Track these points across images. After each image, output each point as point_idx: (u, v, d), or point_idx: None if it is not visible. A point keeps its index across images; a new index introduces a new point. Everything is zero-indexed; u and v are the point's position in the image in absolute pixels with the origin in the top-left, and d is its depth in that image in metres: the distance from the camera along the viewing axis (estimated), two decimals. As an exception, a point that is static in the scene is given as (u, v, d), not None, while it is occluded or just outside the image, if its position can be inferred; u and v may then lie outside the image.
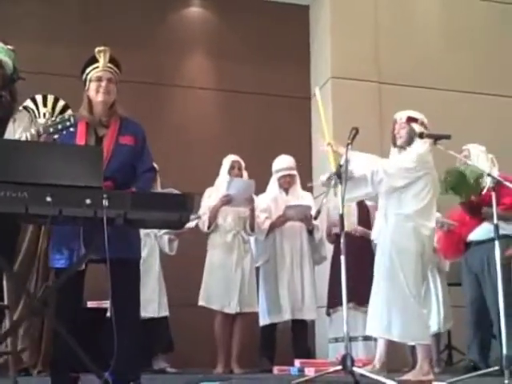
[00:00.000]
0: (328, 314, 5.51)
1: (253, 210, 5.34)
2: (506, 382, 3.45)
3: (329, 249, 5.65)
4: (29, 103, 4.61)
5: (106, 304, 4.49)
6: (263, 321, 5.41)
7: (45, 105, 4.63)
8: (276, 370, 5.08)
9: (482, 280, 4.94)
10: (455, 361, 6.09)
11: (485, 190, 4.35)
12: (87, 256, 2.95)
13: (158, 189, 5.12)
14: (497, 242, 3.76)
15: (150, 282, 5.21)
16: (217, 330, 5.24)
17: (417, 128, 4.12)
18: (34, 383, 3.95)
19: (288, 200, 5.53)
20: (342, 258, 3.62)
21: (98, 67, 3.24)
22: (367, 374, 3.54)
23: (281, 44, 7.26)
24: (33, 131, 3.01)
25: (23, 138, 3.01)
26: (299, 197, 5.61)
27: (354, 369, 3.44)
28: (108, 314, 2.85)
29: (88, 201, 2.64)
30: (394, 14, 7.31)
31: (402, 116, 4.22)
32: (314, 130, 7.11)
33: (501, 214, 3.99)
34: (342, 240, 3.65)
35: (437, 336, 5.51)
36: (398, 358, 5.06)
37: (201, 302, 5.24)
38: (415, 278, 3.93)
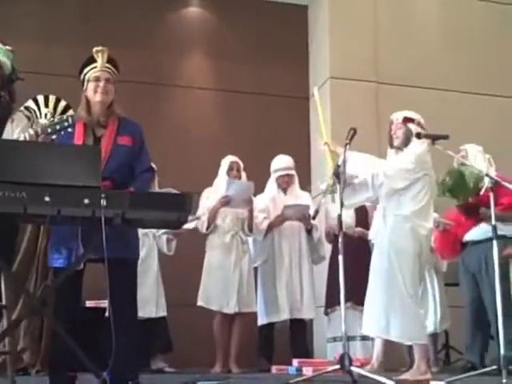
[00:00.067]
0: (326, 314, 5.52)
1: (251, 211, 5.35)
2: (504, 381, 3.45)
3: (327, 248, 5.65)
4: (30, 103, 4.62)
5: (105, 304, 4.49)
6: (261, 320, 5.42)
7: (46, 105, 4.63)
8: (274, 369, 5.09)
9: (479, 280, 4.95)
10: (453, 360, 6.10)
11: (483, 191, 4.35)
12: (85, 256, 2.96)
13: (156, 189, 5.13)
14: (495, 242, 3.76)
15: (148, 282, 5.22)
16: (215, 330, 5.25)
17: (413, 128, 4.12)
18: (32, 383, 3.95)
19: (286, 200, 5.53)
20: (340, 257, 3.62)
21: (95, 67, 3.24)
22: (365, 373, 3.54)
23: (279, 44, 7.27)
24: (31, 131, 3.01)
25: (21, 139, 3.02)
26: (297, 196, 5.61)
27: (352, 368, 3.44)
28: (106, 314, 2.85)
29: (86, 200, 2.65)
30: (393, 14, 7.32)
31: (398, 116, 4.22)
32: (312, 130, 7.11)
33: (498, 215, 3.99)
34: (340, 240, 3.66)
35: (434, 336, 5.52)
36: (395, 357, 5.08)
37: (200, 303, 5.25)
38: (413, 278, 3.93)
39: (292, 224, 5.47)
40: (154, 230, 5.29)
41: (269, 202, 5.56)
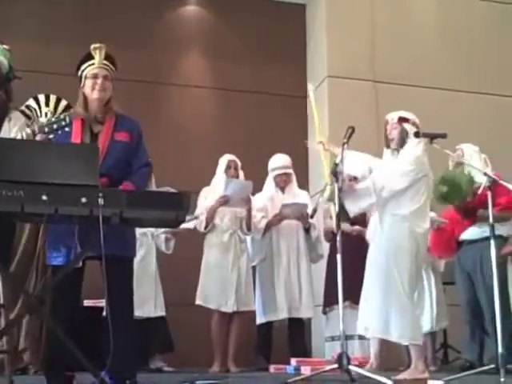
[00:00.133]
0: (324, 313, 5.52)
1: (250, 210, 5.35)
2: (502, 380, 3.45)
3: (325, 247, 5.65)
4: (31, 102, 4.63)
5: (102, 303, 4.49)
6: (259, 319, 5.41)
7: (47, 104, 4.64)
8: (272, 368, 5.09)
9: (474, 279, 4.96)
10: (451, 359, 6.11)
11: (480, 190, 4.35)
12: (84, 254, 2.95)
13: (153, 187, 5.12)
14: (492, 242, 3.76)
15: (147, 281, 5.21)
16: (213, 329, 5.25)
17: (408, 128, 4.12)
18: (30, 382, 3.94)
19: (284, 199, 5.53)
20: (339, 256, 3.62)
21: (93, 64, 3.23)
22: (363, 372, 3.54)
23: (277, 43, 7.26)
24: (28, 130, 3.01)
25: (18, 137, 3.01)
26: (295, 195, 5.61)
27: (350, 367, 3.44)
28: (104, 314, 2.85)
29: (84, 199, 2.64)
30: (391, 13, 7.32)
31: (393, 116, 4.22)
32: (310, 129, 7.11)
33: (496, 216, 3.99)
34: (338, 238, 3.65)
35: (432, 335, 5.52)
36: (393, 356, 5.07)
37: (198, 302, 5.25)
38: (410, 278, 3.93)
39: (290, 223, 5.46)
40: (152, 230, 5.28)
41: (267, 200, 5.56)
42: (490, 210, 3.79)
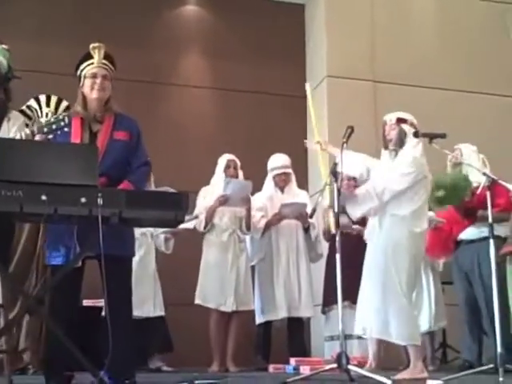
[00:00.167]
0: (323, 313, 5.52)
1: (249, 210, 5.35)
2: (501, 379, 3.46)
3: (325, 246, 5.65)
4: (32, 102, 4.63)
5: (102, 303, 4.49)
6: (259, 319, 5.42)
7: (48, 105, 4.64)
8: (271, 368, 5.09)
9: (472, 279, 4.97)
10: (450, 359, 6.11)
11: (479, 189, 4.35)
12: (83, 254, 2.95)
13: (152, 186, 5.13)
14: (491, 241, 3.77)
15: (146, 281, 5.21)
16: (212, 329, 5.25)
17: (407, 129, 4.12)
18: (29, 382, 3.94)
19: (283, 198, 5.53)
20: (338, 256, 3.62)
21: (92, 63, 3.23)
22: (362, 372, 3.54)
23: (276, 42, 7.27)
24: (27, 131, 3.01)
25: (18, 137, 3.01)
26: (295, 195, 5.61)
27: (349, 367, 3.44)
28: (102, 313, 2.85)
29: (83, 199, 2.64)
30: (391, 13, 7.32)
31: (391, 117, 4.21)
32: (309, 129, 7.10)
33: (495, 216, 3.99)
34: (337, 238, 3.65)
35: (431, 334, 5.52)
36: (392, 356, 5.07)
37: (197, 301, 5.25)
38: (408, 278, 3.92)
39: (289, 222, 5.47)
40: (151, 230, 5.29)
41: (266, 200, 5.56)
42: (489, 210, 3.80)
